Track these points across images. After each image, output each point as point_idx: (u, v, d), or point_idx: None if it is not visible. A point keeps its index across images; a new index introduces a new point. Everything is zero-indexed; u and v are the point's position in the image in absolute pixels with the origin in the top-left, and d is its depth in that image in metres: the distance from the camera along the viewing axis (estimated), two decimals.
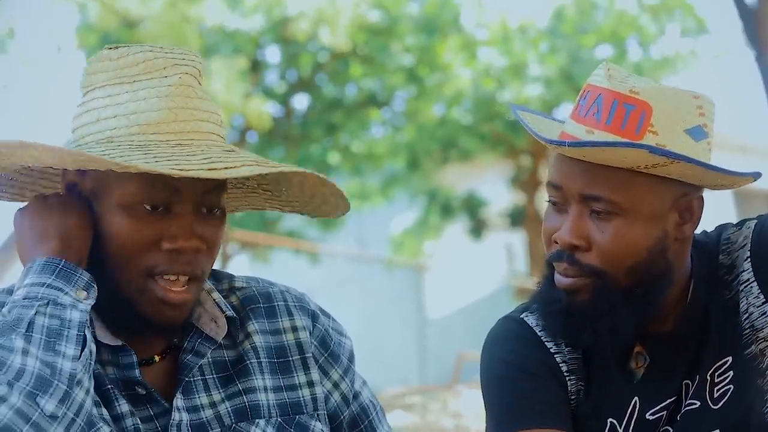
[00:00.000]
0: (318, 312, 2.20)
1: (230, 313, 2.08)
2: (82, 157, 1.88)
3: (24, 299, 1.87)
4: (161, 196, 1.92)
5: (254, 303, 2.14)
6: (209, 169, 1.87)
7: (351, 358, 2.22)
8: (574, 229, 2.10)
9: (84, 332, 1.86)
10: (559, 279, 2.13)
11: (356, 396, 2.21)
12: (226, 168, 1.88)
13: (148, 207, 1.92)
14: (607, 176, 2.07)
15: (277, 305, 2.15)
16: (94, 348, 1.89)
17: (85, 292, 1.90)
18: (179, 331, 2.03)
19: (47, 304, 1.86)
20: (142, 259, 1.93)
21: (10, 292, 1.98)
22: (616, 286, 2.10)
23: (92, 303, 1.91)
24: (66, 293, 1.88)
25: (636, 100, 2.06)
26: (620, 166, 2.05)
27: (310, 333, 2.15)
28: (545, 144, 2.11)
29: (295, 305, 2.17)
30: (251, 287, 2.16)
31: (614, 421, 2.21)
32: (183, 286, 1.95)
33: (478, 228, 19.36)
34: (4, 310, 1.89)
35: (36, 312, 1.84)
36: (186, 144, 1.94)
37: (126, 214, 1.93)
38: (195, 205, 1.95)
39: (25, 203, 2.02)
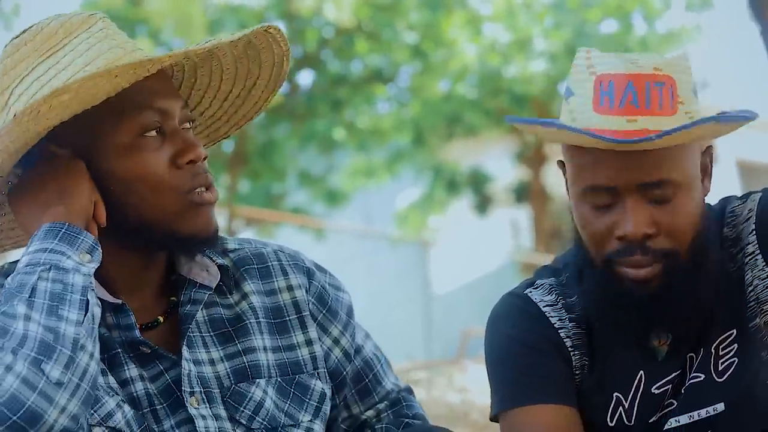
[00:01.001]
0: (313, 268, 2.20)
1: (221, 261, 2.09)
2: (131, 70, 1.88)
3: (27, 266, 1.87)
4: (153, 120, 1.96)
5: (248, 264, 2.14)
6: (211, 41, 1.97)
7: (350, 313, 2.22)
8: (642, 219, 2.08)
9: (87, 296, 1.86)
10: (632, 273, 2.10)
11: (358, 350, 2.21)
12: (219, 40, 1.98)
13: (148, 135, 1.96)
14: (663, 158, 2.06)
15: (271, 265, 2.16)
16: (98, 312, 1.89)
17: (89, 255, 1.90)
18: (215, 242, 2.05)
19: (49, 269, 1.86)
20: (167, 182, 1.96)
21: (5, 275, 1.97)
22: (683, 261, 2.11)
23: (96, 266, 1.91)
24: (69, 257, 1.88)
25: (663, 77, 2.06)
26: (678, 144, 2.06)
27: (306, 291, 2.16)
28: (612, 146, 2.04)
29: (289, 264, 2.17)
30: (244, 248, 2.16)
31: (620, 396, 2.21)
32: (211, 192, 2.01)
33: (483, 204, 19.35)
34: (8, 279, 1.89)
35: (38, 277, 1.85)
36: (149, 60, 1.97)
37: (131, 151, 1.95)
38: (179, 121, 2.00)
39: (15, 180, 2.00)
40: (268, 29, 2.04)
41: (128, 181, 1.95)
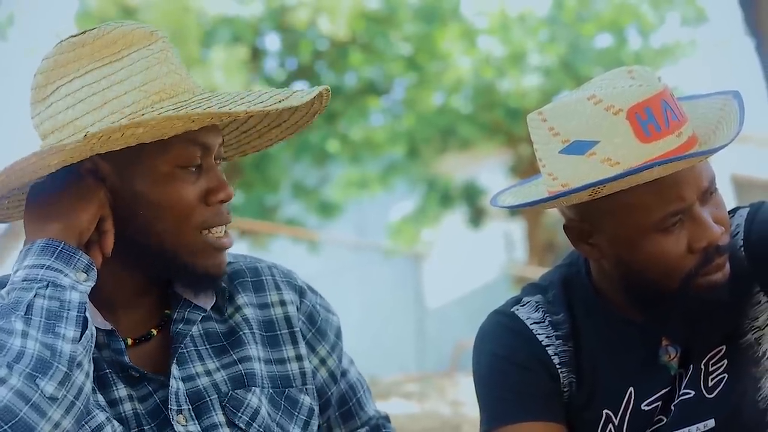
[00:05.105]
0: (305, 288, 2.22)
1: None
2: (197, 115, 1.89)
3: (23, 281, 1.87)
4: (196, 155, 1.98)
5: (242, 277, 2.16)
6: (281, 100, 1.97)
7: (338, 335, 2.23)
8: (719, 221, 2.10)
9: (84, 314, 1.87)
10: (718, 276, 2.10)
11: (344, 374, 2.23)
12: (286, 98, 1.98)
13: (190, 168, 1.97)
14: (706, 160, 2.10)
15: (265, 279, 2.17)
16: (95, 330, 1.90)
17: (85, 274, 1.91)
18: (220, 281, 2.07)
19: (47, 285, 1.86)
20: (193, 218, 1.98)
21: (2, 284, 1.97)
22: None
23: (92, 285, 1.91)
24: (66, 275, 1.88)
25: (666, 86, 2.08)
26: None
27: (297, 308, 2.17)
28: (693, 161, 2.03)
29: (282, 280, 2.19)
30: (239, 262, 2.18)
31: (610, 413, 2.21)
32: (227, 234, 2.04)
33: (476, 217, 19.34)
34: (2, 292, 1.89)
35: (35, 294, 1.85)
36: (207, 96, 1.99)
37: (169, 181, 1.96)
38: (215, 158, 2.02)
39: (41, 179, 1.98)
40: (326, 90, 2.05)
41: (158, 208, 1.96)
